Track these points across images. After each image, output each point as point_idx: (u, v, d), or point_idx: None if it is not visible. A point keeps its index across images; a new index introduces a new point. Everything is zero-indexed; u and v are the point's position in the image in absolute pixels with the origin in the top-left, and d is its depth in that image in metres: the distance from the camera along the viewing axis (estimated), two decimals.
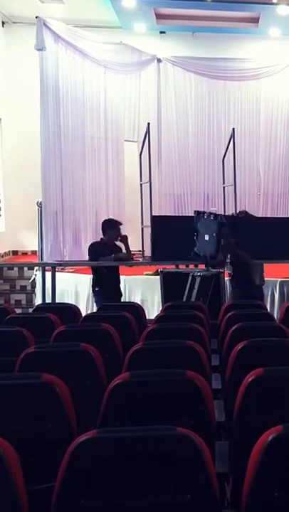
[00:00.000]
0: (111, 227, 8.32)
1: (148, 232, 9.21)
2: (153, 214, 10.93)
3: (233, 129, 11.57)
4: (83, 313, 5.98)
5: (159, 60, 13.09)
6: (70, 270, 10.31)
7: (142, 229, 10.26)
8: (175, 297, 7.47)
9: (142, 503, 1.97)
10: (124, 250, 8.33)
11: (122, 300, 8.46)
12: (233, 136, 11.35)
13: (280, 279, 8.96)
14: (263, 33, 13.10)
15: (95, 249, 8.35)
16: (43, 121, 10.68)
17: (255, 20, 12.77)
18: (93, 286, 8.42)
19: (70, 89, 11.47)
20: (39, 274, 9.31)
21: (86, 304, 9.38)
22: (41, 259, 9.16)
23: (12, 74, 12.78)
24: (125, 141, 12.56)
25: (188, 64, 13.23)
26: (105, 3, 11.67)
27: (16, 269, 11.61)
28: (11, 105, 12.68)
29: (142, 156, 11.69)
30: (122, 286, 9.15)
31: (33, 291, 10.96)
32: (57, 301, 8.55)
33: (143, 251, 9.90)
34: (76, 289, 9.76)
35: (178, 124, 13.29)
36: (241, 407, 2.78)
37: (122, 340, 4.26)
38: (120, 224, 8.45)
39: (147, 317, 6.38)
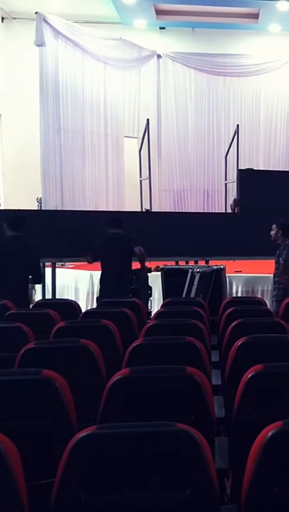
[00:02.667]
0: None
1: None
2: (153, 210, 10.96)
3: (238, 125, 11.56)
4: (83, 309, 5.97)
5: (158, 56, 13.10)
6: (70, 266, 10.32)
7: None
8: (177, 294, 7.46)
9: (141, 498, 1.97)
10: None
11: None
12: (237, 132, 11.32)
13: None
14: (263, 28, 13.10)
15: None
16: (43, 117, 10.70)
17: (255, 15, 12.77)
18: None
19: (70, 84, 11.48)
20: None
21: (86, 300, 9.39)
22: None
23: (12, 69, 12.78)
24: (125, 137, 12.59)
25: (188, 60, 13.24)
26: None
27: None
28: (11, 101, 12.68)
29: (142, 152, 11.69)
30: None
31: (33, 287, 10.97)
32: (57, 297, 8.56)
33: None
34: (76, 285, 9.77)
35: (178, 119, 13.30)
36: (241, 403, 2.78)
37: (121, 336, 4.27)
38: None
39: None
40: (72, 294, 9.67)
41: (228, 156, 12.08)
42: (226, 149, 12.11)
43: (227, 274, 8.37)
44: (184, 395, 2.72)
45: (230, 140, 11.88)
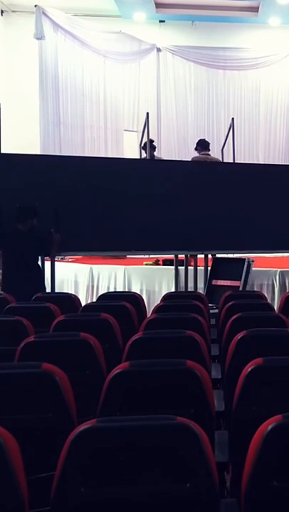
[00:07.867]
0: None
1: None
2: None
3: (233, 118, 11.55)
4: (83, 303, 5.97)
5: (158, 49, 13.08)
6: (70, 260, 10.32)
7: None
8: None
9: (141, 491, 1.98)
10: None
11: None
12: (232, 125, 11.32)
13: (279, 269, 8.97)
14: (263, 22, 13.08)
15: None
16: (43, 111, 10.69)
17: (255, 9, 12.75)
18: None
19: (70, 78, 11.47)
20: (38, 263, 9.30)
21: (86, 294, 9.38)
22: None
23: (11, 63, 12.73)
24: (125, 130, 12.56)
25: (188, 53, 13.22)
26: None
27: None
28: (10, 94, 12.64)
29: (142, 145, 11.67)
30: (121, 275, 9.15)
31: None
32: (56, 290, 8.54)
33: None
34: (76, 279, 9.76)
35: (177, 113, 13.29)
36: (241, 396, 2.78)
37: (121, 329, 4.27)
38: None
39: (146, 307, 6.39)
40: (72, 287, 9.66)
41: (224, 150, 12.05)
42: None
43: None
44: (184, 388, 2.72)
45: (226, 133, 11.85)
